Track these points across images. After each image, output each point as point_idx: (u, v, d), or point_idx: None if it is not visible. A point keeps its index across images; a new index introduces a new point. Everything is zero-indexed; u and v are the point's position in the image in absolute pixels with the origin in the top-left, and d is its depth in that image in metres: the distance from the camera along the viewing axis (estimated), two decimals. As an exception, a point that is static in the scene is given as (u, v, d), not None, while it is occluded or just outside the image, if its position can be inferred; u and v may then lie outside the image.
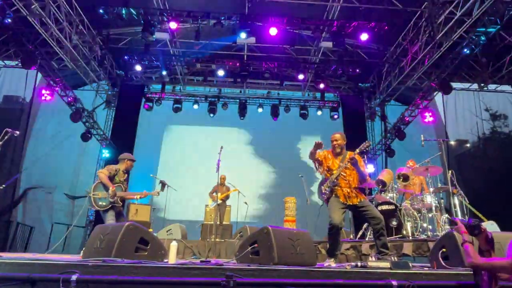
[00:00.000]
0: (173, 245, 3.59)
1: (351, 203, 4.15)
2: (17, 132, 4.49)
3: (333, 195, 4.21)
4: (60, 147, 11.33)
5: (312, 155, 4.31)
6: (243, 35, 8.67)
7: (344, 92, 12.62)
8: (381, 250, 4.03)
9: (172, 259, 3.51)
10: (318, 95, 12.53)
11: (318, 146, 4.22)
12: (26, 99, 10.53)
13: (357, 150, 4.21)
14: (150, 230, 7.70)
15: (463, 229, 2.54)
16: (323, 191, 4.32)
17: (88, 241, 3.68)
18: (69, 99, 10.13)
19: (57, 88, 9.85)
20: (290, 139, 13.43)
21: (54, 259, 3.31)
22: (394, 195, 6.59)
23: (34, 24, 7.55)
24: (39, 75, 9.93)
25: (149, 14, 8.68)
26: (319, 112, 12.75)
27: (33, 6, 7.11)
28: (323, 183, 4.36)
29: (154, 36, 8.98)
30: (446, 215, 6.02)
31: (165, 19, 8.82)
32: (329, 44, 9.33)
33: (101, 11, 8.54)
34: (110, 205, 5.04)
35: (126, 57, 10.67)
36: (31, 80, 10.01)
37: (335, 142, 4.39)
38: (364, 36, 8.70)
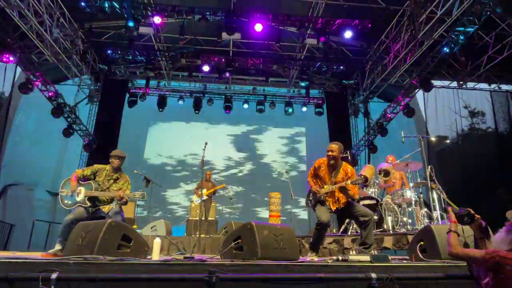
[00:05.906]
0: (156, 242, 3.58)
1: (338, 207, 4.26)
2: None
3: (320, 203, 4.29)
4: (41, 142, 11.06)
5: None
6: (225, 35, 8.65)
7: (328, 89, 12.75)
8: (365, 242, 4.11)
9: (155, 255, 3.51)
10: (303, 91, 12.61)
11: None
12: (5, 93, 10.22)
13: (349, 182, 4.08)
14: (134, 226, 7.64)
15: (452, 218, 2.55)
16: (310, 199, 4.38)
17: (69, 239, 3.62)
18: (50, 93, 9.89)
19: (37, 83, 9.60)
20: (275, 135, 13.51)
21: (34, 258, 3.26)
22: (376, 190, 6.73)
23: (12, 16, 7.31)
24: (18, 68, 9.65)
25: (132, 7, 8.53)
26: (304, 108, 12.86)
27: (11, -2, 6.89)
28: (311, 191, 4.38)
29: (138, 30, 8.84)
30: (425, 209, 6.20)
31: (149, 13, 8.70)
32: (314, 41, 9.38)
33: (82, 3, 8.33)
34: (77, 205, 4.50)
35: (109, 52, 10.47)
36: (10, 74, 9.73)
37: (330, 153, 4.22)
38: (348, 34, 8.77)
